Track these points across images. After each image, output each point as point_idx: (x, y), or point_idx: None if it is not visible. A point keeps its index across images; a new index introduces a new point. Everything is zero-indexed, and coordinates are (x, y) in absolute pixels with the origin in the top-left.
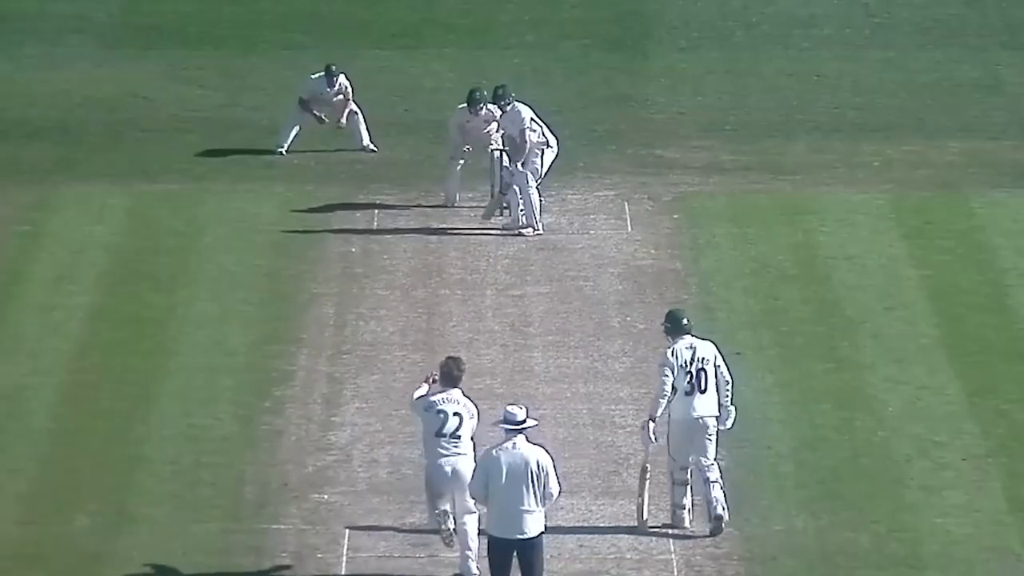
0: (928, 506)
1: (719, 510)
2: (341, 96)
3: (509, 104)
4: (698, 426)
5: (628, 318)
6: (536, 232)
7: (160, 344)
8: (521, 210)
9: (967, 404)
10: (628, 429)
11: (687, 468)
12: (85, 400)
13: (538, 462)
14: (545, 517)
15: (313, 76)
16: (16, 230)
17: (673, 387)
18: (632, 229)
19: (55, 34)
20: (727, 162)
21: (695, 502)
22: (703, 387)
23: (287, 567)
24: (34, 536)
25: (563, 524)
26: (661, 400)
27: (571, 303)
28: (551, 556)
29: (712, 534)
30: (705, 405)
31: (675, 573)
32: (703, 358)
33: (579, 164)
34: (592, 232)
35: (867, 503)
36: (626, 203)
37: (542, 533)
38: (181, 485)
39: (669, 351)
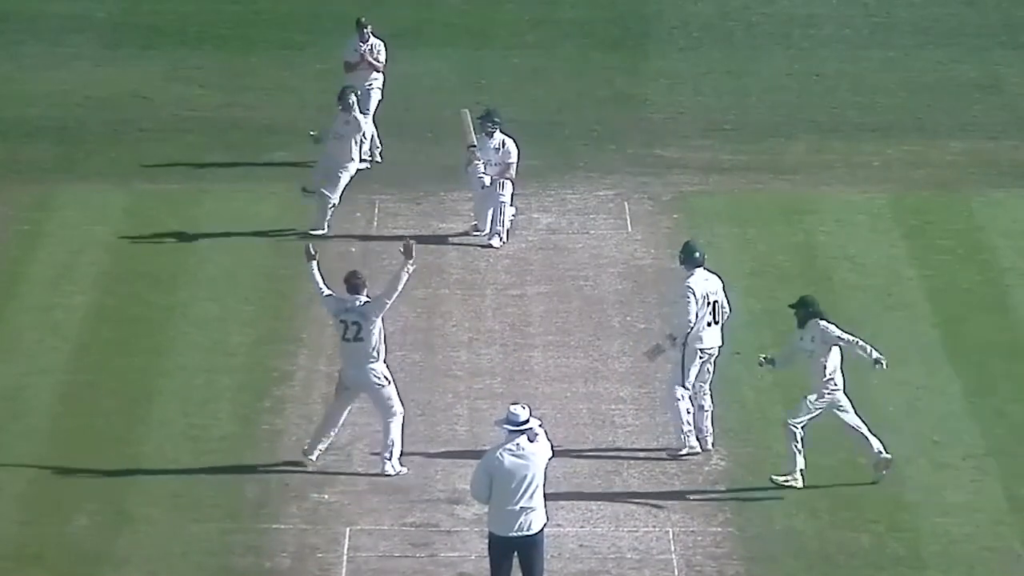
0: (928, 506)
1: (710, 440)
2: (363, 56)
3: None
4: (710, 355)
5: (628, 318)
6: (502, 242)
7: (160, 344)
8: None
9: (967, 404)
10: (628, 429)
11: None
12: (85, 400)
13: (541, 460)
14: (546, 515)
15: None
16: (16, 230)
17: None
18: (632, 229)
19: (55, 34)
20: (727, 162)
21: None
22: (717, 318)
23: (287, 567)
24: (34, 536)
25: (563, 524)
26: (687, 328)
27: (571, 303)
28: (552, 556)
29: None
30: (717, 336)
31: (675, 573)
32: (716, 291)
33: (579, 164)
34: (592, 232)
35: (867, 503)
36: (626, 203)
37: (543, 530)
38: (181, 485)
39: (691, 280)
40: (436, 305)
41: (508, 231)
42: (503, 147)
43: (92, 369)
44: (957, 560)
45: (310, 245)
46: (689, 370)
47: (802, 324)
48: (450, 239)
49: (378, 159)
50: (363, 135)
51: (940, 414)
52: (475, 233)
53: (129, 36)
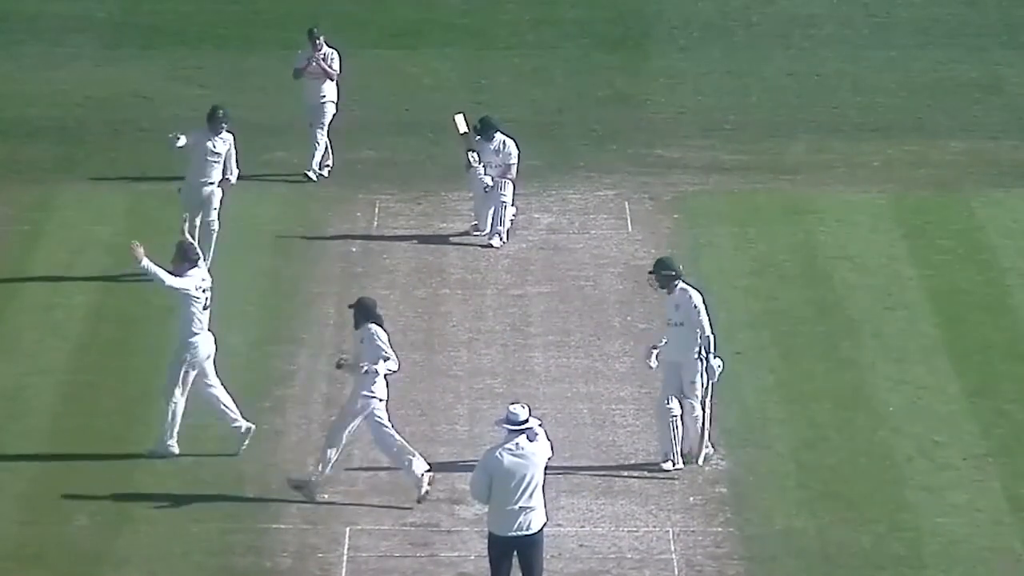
0: (928, 506)
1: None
2: (310, 60)
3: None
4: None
5: (629, 318)
6: (502, 242)
7: (160, 344)
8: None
9: (967, 404)
10: (629, 429)
11: None
12: (85, 400)
13: (541, 460)
14: (545, 515)
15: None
16: (16, 230)
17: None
18: (632, 229)
19: (55, 34)
20: (727, 162)
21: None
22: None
23: (287, 567)
24: (34, 536)
25: (563, 524)
26: (709, 342)
27: (572, 303)
28: (552, 556)
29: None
30: None
31: (676, 573)
32: None
33: (579, 164)
34: (593, 232)
35: (867, 503)
36: (627, 203)
37: (543, 529)
38: (181, 485)
39: (694, 294)
40: (436, 305)
41: (508, 231)
42: (503, 148)
43: (92, 369)
44: (957, 560)
45: (135, 243)
46: (708, 383)
47: (357, 326)
48: (450, 239)
49: (324, 174)
50: (232, 153)
51: (940, 414)
52: (475, 233)
53: (129, 36)
